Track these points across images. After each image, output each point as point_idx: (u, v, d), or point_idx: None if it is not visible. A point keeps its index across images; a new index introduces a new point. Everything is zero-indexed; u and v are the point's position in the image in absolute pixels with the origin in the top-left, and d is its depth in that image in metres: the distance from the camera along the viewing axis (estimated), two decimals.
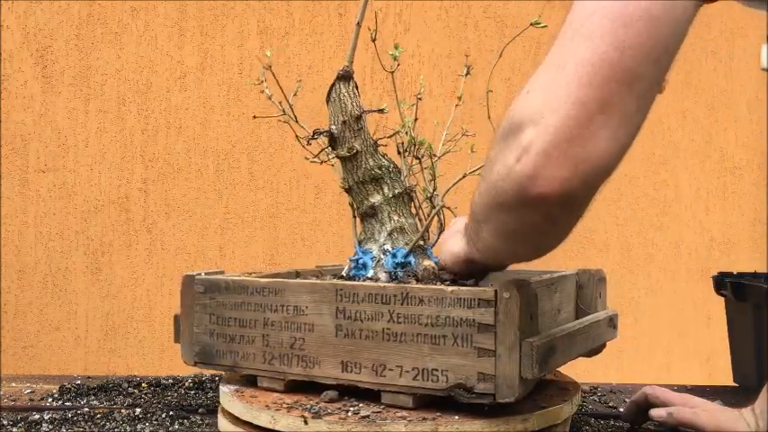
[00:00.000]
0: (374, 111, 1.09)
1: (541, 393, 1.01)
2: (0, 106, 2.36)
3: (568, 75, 0.67)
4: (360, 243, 1.09)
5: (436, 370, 0.89)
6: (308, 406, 0.92)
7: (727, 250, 2.68)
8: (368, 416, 0.88)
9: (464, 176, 1.11)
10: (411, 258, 1.03)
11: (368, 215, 1.09)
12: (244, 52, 2.45)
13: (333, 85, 1.09)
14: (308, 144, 1.10)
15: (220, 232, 2.44)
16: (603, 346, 1.11)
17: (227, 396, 1.00)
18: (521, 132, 0.69)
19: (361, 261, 1.07)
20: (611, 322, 1.12)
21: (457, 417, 0.88)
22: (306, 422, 0.86)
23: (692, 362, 2.55)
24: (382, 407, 0.92)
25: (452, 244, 0.96)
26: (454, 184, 1.10)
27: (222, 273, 1.17)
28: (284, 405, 0.93)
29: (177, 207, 2.43)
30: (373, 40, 1.09)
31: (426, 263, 1.00)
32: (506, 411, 0.89)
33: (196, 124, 2.43)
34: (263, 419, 0.91)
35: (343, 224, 2.45)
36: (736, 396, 1.38)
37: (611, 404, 1.30)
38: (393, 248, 1.05)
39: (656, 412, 1.03)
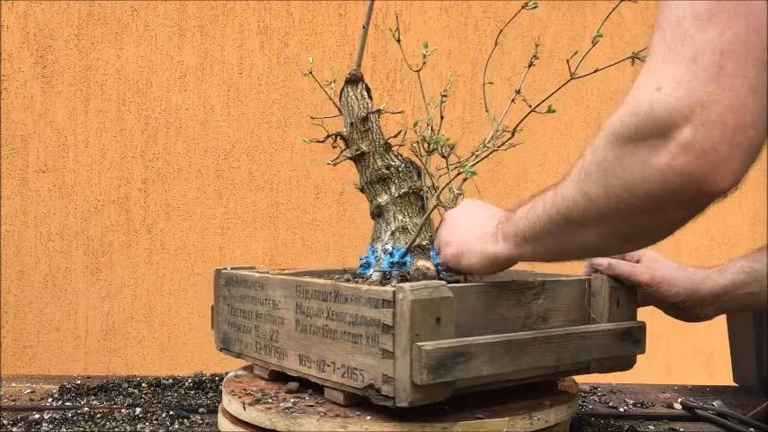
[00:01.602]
0: (376, 111, 1.09)
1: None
2: (0, 106, 2.36)
3: (709, 65, 0.65)
4: (372, 242, 1.10)
5: (357, 369, 0.89)
6: (270, 394, 1.00)
7: (727, 250, 2.68)
8: (290, 407, 0.92)
9: (458, 174, 1.11)
10: (408, 258, 1.04)
11: (375, 215, 1.11)
12: (244, 52, 2.45)
13: (342, 88, 1.10)
14: (333, 147, 1.11)
15: (220, 232, 2.43)
16: (627, 361, 1.04)
17: (229, 378, 1.13)
18: (671, 131, 0.66)
19: (366, 260, 1.08)
20: (629, 336, 1.03)
21: (369, 417, 0.88)
22: (245, 408, 0.96)
23: (692, 362, 2.55)
24: (323, 401, 0.95)
25: (483, 245, 0.94)
26: (447, 185, 1.10)
27: (253, 268, 1.20)
28: (252, 392, 1.02)
29: (177, 207, 2.43)
30: (398, 41, 1.11)
31: (420, 263, 0.99)
32: (426, 417, 0.87)
33: (196, 124, 2.43)
34: (225, 401, 1.02)
35: (343, 224, 2.45)
36: (736, 396, 1.38)
37: (611, 404, 1.31)
38: (393, 248, 1.06)
39: (597, 260, 1.08)
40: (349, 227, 2.45)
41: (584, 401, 1.32)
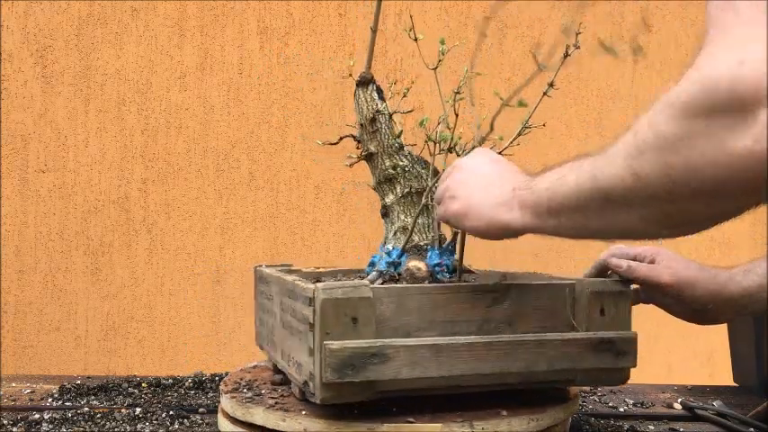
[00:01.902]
0: (377, 112, 1.09)
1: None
2: (0, 106, 2.36)
3: None
4: (383, 242, 1.13)
5: (300, 364, 0.91)
6: (252, 386, 1.07)
7: (727, 250, 2.68)
8: (250, 398, 0.99)
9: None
10: (404, 258, 1.04)
11: (383, 215, 1.12)
12: (244, 52, 2.45)
13: (355, 90, 1.11)
14: (358, 148, 1.11)
15: (220, 232, 2.43)
16: (611, 375, 0.95)
17: (244, 368, 1.20)
18: (755, 111, 0.58)
19: (371, 260, 1.09)
20: (610, 347, 0.93)
21: (305, 413, 0.90)
22: (221, 395, 1.02)
23: (692, 362, 2.55)
24: (289, 393, 1.00)
25: (495, 210, 0.86)
26: (434, 182, 1.09)
27: (290, 266, 1.22)
28: (239, 382, 1.09)
29: (177, 207, 2.43)
30: (415, 40, 1.09)
31: (411, 264, 0.99)
32: (358, 416, 0.87)
33: (196, 124, 2.43)
34: (221, 387, 1.07)
35: (343, 224, 2.45)
36: (736, 396, 1.38)
37: (611, 404, 1.31)
38: (393, 248, 1.06)
39: (615, 261, 1.02)
40: (349, 227, 2.45)
41: (584, 401, 1.32)
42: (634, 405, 1.30)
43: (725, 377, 1.58)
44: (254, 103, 2.45)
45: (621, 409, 1.27)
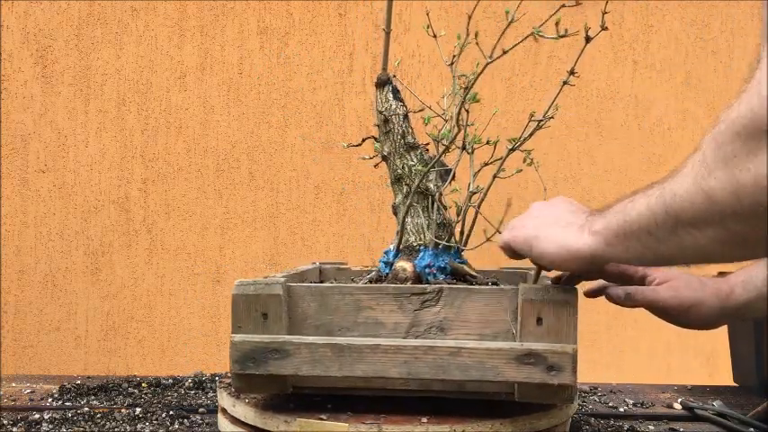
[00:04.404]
0: (382, 112, 1.10)
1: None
2: (0, 106, 2.36)
3: None
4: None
5: None
6: None
7: None
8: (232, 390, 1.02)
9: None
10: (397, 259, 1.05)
11: (394, 214, 1.12)
12: (244, 52, 2.45)
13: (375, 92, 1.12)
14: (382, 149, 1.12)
15: (220, 232, 2.43)
16: (541, 391, 0.85)
17: None
18: None
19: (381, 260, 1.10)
20: (538, 361, 0.83)
21: (246, 402, 0.95)
22: (217, 384, 1.07)
23: (692, 362, 2.55)
24: None
25: (565, 235, 0.85)
26: (423, 177, 1.08)
27: (345, 264, 1.24)
28: None
29: (177, 207, 2.42)
30: (434, 36, 1.10)
31: (398, 265, 1.00)
32: (281, 410, 0.91)
33: (196, 124, 2.43)
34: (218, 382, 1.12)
35: (343, 224, 2.45)
36: (736, 396, 1.38)
37: (611, 404, 1.31)
38: (392, 248, 1.06)
39: (613, 291, 0.98)
40: (349, 227, 2.45)
41: (583, 401, 1.32)
42: (634, 405, 1.30)
43: (725, 377, 1.58)
44: (254, 103, 2.45)
45: (621, 409, 1.27)
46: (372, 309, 0.89)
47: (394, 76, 1.12)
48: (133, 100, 2.41)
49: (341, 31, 2.46)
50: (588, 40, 1.00)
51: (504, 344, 0.85)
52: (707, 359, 2.54)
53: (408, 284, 0.95)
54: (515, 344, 0.85)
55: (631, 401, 1.32)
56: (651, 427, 1.17)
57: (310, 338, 0.88)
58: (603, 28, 0.99)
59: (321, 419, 0.87)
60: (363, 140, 1.14)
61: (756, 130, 0.63)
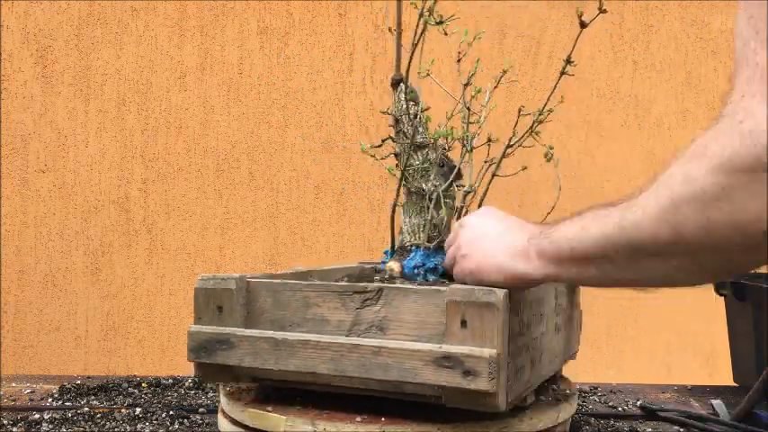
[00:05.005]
0: (390, 113, 1.11)
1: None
2: (0, 106, 2.36)
3: None
4: None
5: None
6: None
7: None
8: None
9: (451, 181, 1.10)
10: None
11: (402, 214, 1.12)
12: (244, 52, 2.45)
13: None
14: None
15: (220, 232, 2.43)
16: (467, 397, 0.80)
17: None
18: None
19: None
20: (455, 365, 0.79)
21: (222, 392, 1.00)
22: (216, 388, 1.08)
23: (692, 362, 2.55)
24: None
25: (511, 262, 0.83)
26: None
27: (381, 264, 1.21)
28: None
29: (177, 207, 2.42)
30: (446, 34, 1.10)
31: (388, 265, 1.02)
32: (245, 400, 0.96)
33: (196, 124, 2.43)
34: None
35: (343, 224, 2.45)
36: (736, 396, 1.38)
37: (611, 404, 1.31)
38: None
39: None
40: (349, 227, 2.45)
41: (583, 401, 1.32)
42: (634, 405, 1.30)
43: (725, 377, 1.58)
44: (254, 103, 2.45)
45: (621, 409, 1.27)
46: (319, 306, 0.90)
47: (427, 74, 1.11)
48: (133, 100, 2.41)
49: (341, 31, 2.46)
50: (583, 25, 0.98)
51: (423, 345, 0.82)
52: (707, 359, 2.54)
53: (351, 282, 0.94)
54: (434, 346, 0.82)
55: (631, 401, 1.32)
56: (650, 428, 1.17)
57: (249, 331, 0.91)
58: (602, 11, 0.96)
59: (267, 411, 0.90)
60: (383, 141, 1.13)
61: (730, 168, 0.61)
